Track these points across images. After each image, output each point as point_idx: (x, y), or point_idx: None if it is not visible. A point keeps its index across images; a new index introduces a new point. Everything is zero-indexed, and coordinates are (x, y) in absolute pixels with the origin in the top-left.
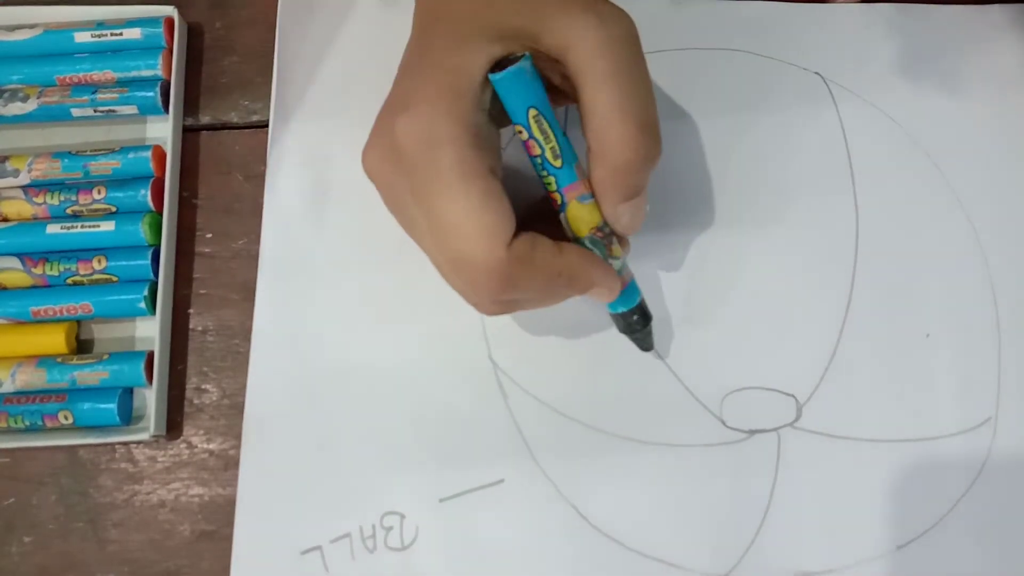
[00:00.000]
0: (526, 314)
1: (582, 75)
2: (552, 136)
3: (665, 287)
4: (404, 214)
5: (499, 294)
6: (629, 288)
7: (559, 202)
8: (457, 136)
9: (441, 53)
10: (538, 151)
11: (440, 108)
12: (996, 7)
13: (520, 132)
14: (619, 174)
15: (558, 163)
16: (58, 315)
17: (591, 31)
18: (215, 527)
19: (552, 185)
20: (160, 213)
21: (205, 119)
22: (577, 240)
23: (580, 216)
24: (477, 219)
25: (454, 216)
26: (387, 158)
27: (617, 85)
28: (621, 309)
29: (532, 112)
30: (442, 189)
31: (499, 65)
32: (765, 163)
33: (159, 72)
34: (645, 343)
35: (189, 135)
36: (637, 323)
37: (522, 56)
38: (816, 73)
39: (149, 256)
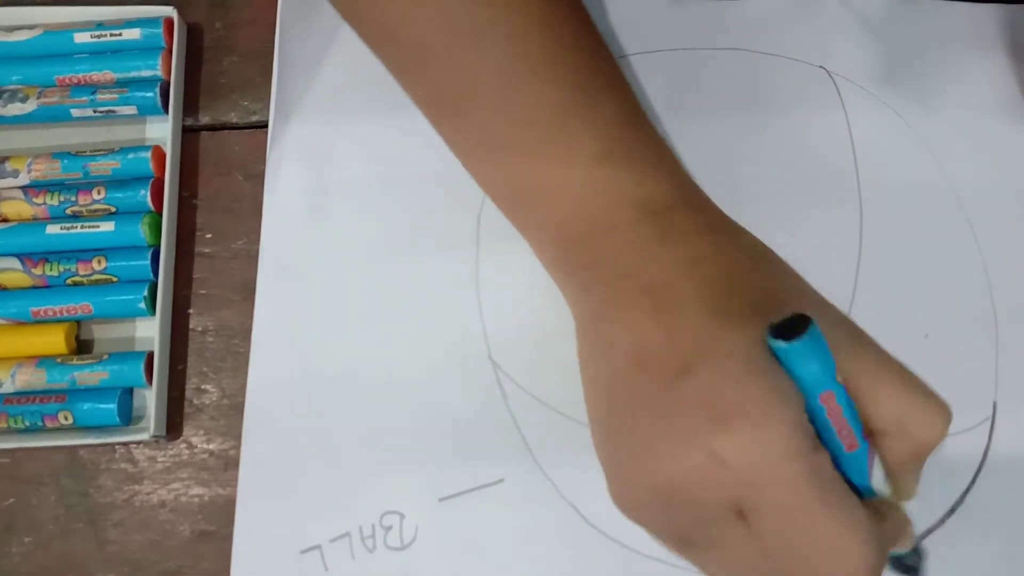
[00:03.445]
0: (526, 314)
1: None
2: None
3: None
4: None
5: None
6: None
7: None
8: (801, 444)
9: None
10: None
11: (775, 414)
12: (1001, 5)
13: None
14: (924, 451)
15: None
16: (58, 315)
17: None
18: (215, 527)
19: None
20: (160, 213)
21: (205, 119)
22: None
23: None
24: (859, 530)
25: (832, 537)
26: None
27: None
28: (900, 551)
29: (825, 394)
30: (813, 507)
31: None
32: (769, 161)
33: (159, 72)
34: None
35: (189, 135)
36: (914, 561)
37: (800, 316)
38: (821, 67)
39: (149, 256)
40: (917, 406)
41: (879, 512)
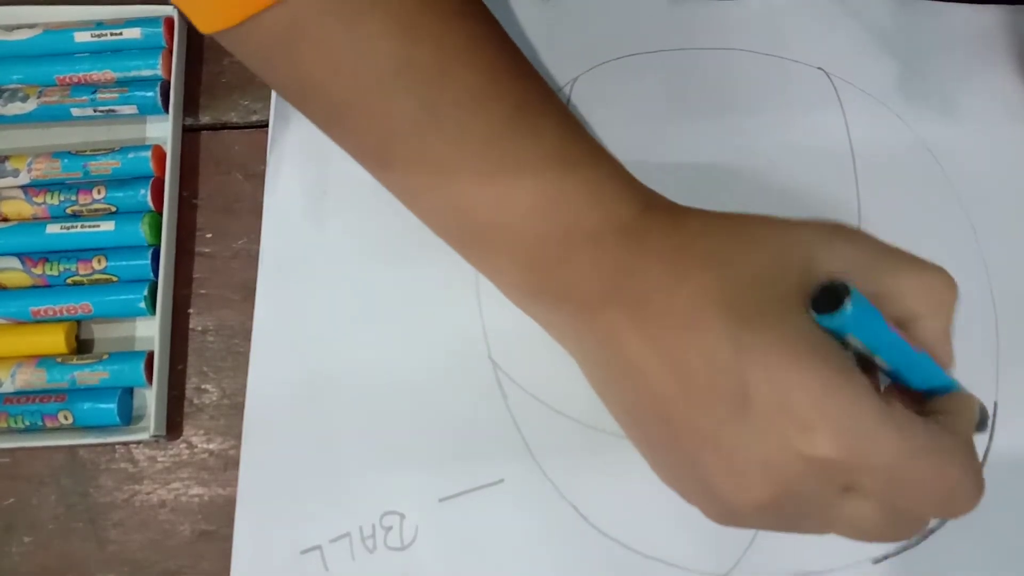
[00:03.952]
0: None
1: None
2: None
3: None
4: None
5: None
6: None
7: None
8: (877, 402)
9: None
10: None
11: (846, 391)
12: (999, 6)
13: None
14: (951, 313)
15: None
16: (58, 315)
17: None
18: (215, 527)
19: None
20: (160, 213)
21: (205, 119)
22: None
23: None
24: (951, 441)
25: (938, 464)
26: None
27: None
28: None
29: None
30: (915, 452)
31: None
32: (768, 161)
33: (159, 72)
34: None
35: (189, 135)
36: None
37: (840, 284)
38: (819, 68)
39: (149, 256)
40: (930, 278)
41: (953, 405)
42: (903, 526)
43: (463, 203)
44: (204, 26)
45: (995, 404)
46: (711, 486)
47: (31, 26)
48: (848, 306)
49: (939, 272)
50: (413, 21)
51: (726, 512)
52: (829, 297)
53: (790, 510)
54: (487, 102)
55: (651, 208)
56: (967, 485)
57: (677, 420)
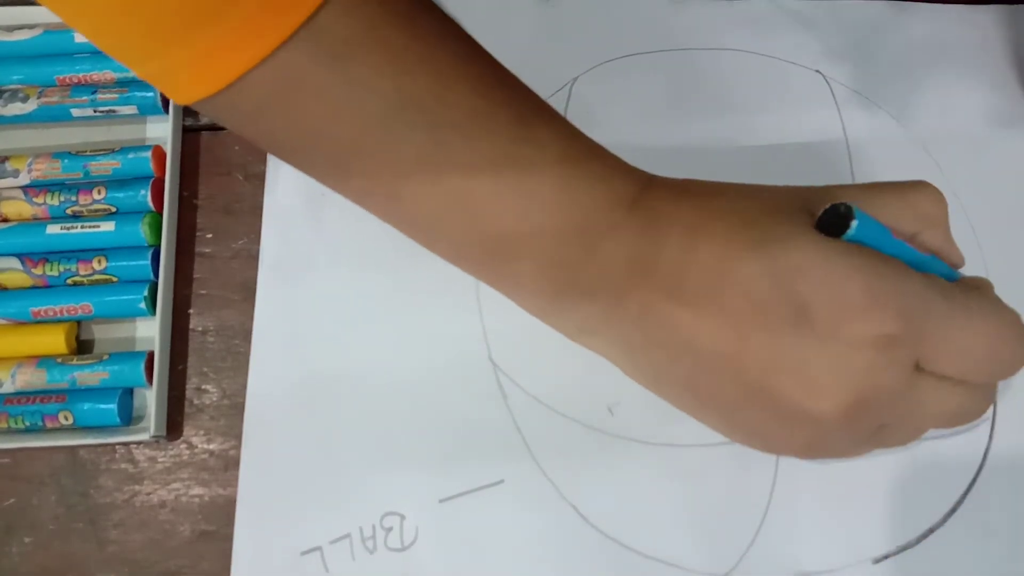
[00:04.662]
0: (526, 314)
1: None
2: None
3: None
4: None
5: None
6: None
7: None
8: (917, 278)
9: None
10: None
11: (889, 276)
12: (995, 6)
13: None
14: (946, 218)
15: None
16: (58, 315)
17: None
18: (215, 527)
19: None
20: (160, 213)
21: (205, 119)
22: None
23: None
24: (993, 297)
25: (991, 317)
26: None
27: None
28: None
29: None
30: (967, 308)
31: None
32: (766, 163)
33: None
34: None
35: (189, 135)
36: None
37: (843, 205)
38: (817, 71)
39: (149, 256)
40: (918, 195)
41: (972, 283)
42: (979, 395)
43: (479, 222)
44: (184, 96)
45: (994, 404)
46: (793, 411)
47: (31, 26)
48: (854, 224)
49: (923, 188)
50: (404, 54)
51: (814, 436)
52: (835, 220)
53: (874, 407)
54: (488, 120)
55: (654, 183)
56: (1015, 328)
57: (741, 361)
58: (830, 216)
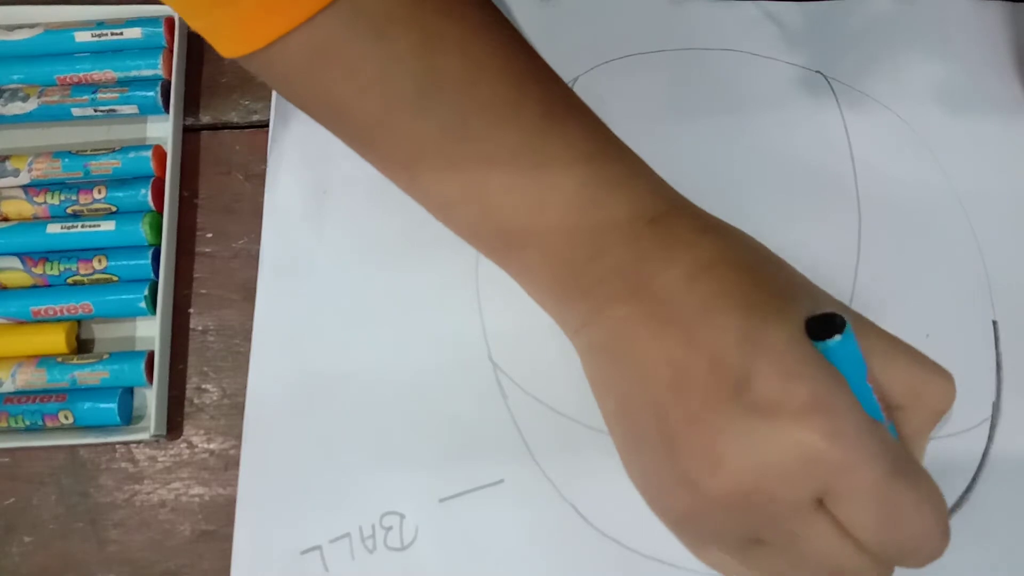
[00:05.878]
0: (526, 314)
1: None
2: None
3: None
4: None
5: None
6: None
7: None
8: (869, 420)
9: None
10: None
11: (844, 399)
12: (997, 3)
13: None
14: (937, 418)
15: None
16: (58, 315)
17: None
18: (215, 527)
19: None
20: (160, 213)
21: (205, 119)
22: None
23: None
24: (931, 485)
25: (914, 499)
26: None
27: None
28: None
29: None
30: (897, 475)
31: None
32: (767, 163)
33: (159, 72)
34: None
35: (189, 135)
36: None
37: (831, 314)
38: (817, 71)
39: (149, 256)
40: (928, 378)
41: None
42: (867, 568)
43: (496, 211)
44: (227, 51)
45: (993, 405)
46: (686, 473)
47: (31, 26)
48: (838, 337)
49: (941, 376)
50: (438, 35)
51: (692, 508)
52: (824, 327)
53: (760, 509)
54: (516, 110)
55: (683, 207)
56: (940, 526)
57: (668, 405)
58: (820, 321)
